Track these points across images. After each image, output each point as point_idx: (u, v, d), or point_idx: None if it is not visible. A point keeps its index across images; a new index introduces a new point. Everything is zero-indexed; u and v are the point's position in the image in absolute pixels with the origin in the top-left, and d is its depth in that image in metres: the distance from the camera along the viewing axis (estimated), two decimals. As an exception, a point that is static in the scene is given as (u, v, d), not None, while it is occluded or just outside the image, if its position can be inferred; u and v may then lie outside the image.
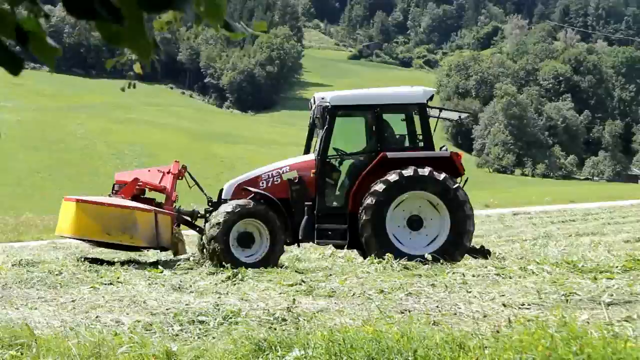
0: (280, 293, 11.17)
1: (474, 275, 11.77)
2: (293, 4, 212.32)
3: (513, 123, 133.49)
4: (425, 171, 14.50)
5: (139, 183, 16.56)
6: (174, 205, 16.56)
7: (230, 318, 8.94)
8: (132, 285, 12.38)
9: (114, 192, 16.63)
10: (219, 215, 15.03)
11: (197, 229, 16.50)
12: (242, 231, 15.14)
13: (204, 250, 15.28)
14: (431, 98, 15.93)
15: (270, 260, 14.95)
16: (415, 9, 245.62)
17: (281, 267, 15.09)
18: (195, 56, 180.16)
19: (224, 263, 14.30)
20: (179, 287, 12.25)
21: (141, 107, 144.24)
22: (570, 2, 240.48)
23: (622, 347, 5.71)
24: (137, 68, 4.27)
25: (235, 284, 12.47)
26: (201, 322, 8.92)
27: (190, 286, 12.43)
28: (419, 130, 15.56)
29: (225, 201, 15.57)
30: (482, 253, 15.32)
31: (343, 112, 15.66)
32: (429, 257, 14.07)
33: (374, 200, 14.56)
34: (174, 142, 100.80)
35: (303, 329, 7.93)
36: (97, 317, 9.49)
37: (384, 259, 14.70)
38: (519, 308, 8.92)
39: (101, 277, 13.33)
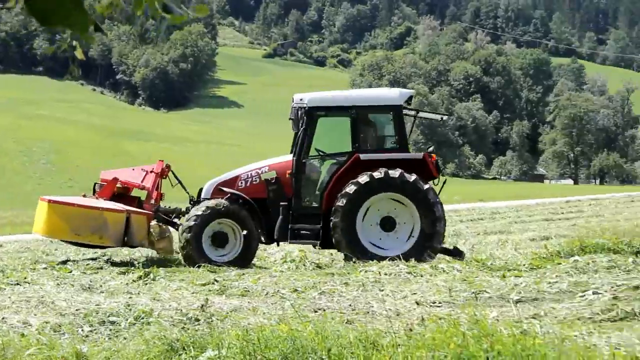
0: (193, 293, 11.09)
1: (386, 274, 11.88)
2: (208, 1, 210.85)
3: (425, 123, 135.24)
4: (395, 173, 14.49)
5: (118, 182, 16.65)
6: (153, 204, 16.53)
7: (142, 318, 8.84)
8: (39, 285, 12.10)
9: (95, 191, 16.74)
10: (190, 217, 15.22)
11: (177, 227, 16.42)
12: (216, 231, 15.29)
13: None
14: (410, 100, 16.03)
15: (244, 260, 15.06)
16: (329, 9, 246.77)
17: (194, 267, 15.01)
18: (107, 52, 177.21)
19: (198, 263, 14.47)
20: (88, 287, 12.06)
21: (51, 103, 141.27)
22: (481, 4, 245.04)
23: (531, 343, 5.84)
24: (79, 54, 4.13)
25: (146, 284, 12.34)
26: (112, 322, 8.81)
27: (101, 286, 12.24)
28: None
29: (205, 200, 15.75)
30: (456, 253, 15.37)
31: (320, 114, 15.64)
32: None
33: (344, 202, 14.60)
34: (84, 139, 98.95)
35: (216, 329, 7.89)
36: (3, 318, 9.26)
37: (296, 259, 14.80)
38: (431, 306, 9.06)
39: (7, 277, 12.97)
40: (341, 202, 14.59)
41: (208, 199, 15.74)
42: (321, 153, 15.77)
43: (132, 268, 14.02)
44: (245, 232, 15.22)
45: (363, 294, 10.02)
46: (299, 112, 15.38)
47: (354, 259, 14.05)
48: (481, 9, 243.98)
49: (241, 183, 15.80)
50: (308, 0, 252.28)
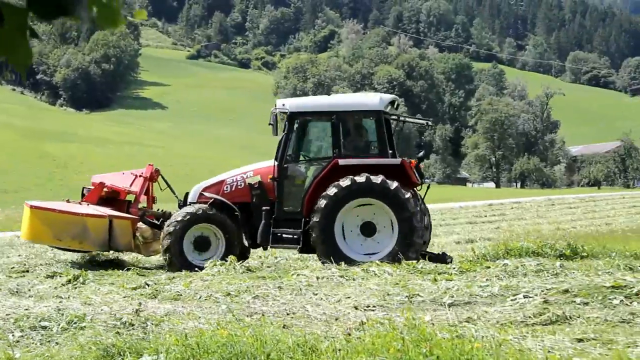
0: (125, 297, 10.98)
1: (318, 278, 11.93)
2: (130, 1, 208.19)
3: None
4: (377, 179, 14.42)
5: (105, 187, 16.77)
6: (140, 209, 16.67)
7: (75, 323, 8.71)
8: (-35, 290, 11.84)
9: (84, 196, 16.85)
10: (171, 223, 15.32)
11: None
12: (198, 235, 15.44)
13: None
14: (394, 105, 16.05)
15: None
16: (253, 11, 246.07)
17: (123, 269, 14.86)
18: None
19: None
20: (16, 292, 11.85)
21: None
22: (404, 8, 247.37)
23: (469, 348, 5.94)
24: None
25: (76, 287, 12.18)
26: (44, 327, 8.66)
27: (29, 290, 12.05)
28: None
29: (189, 205, 15.90)
30: (441, 259, 15.30)
31: (301, 119, 15.68)
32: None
33: (323, 205, 14.60)
34: (4, 140, 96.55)
35: (152, 334, 7.82)
36: None
37: (225, 261, 14.72)
38: (365, 310, 9.13)
39: None
40: (320, 205, 14.61)
41: (194, 203, 15.86)
42: (305, 158, 15.93)
43: (60, 272, 13.80)
44: (226, 236, 15.38)
45: (297, 298, 10.05)
46: (278, 117, 15.41)
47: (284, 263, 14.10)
48: (404, 13, 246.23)
49: (226, 188, 15.94)
50: (232, 2, 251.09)
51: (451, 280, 10.99)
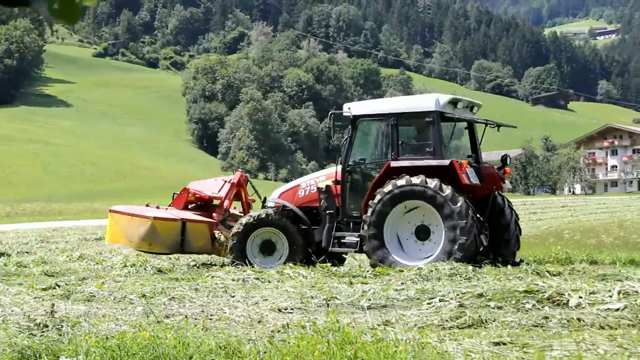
0: (35, 297, 10.73)
1: (233, 280, 11.92)
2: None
3: (258, 128, 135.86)
4: (417, 180, 14.06)
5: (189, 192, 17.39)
6: (223, 213, 17.01)
7: (-15, 325, 8.45)
8: None
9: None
10: (237, 226, 15.63)
11: None
12: (266, 239, 15.65)
13: None
14: (456, 105, 15.26)
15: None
16: (162, 10, 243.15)
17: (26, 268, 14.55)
18: None
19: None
20: None
21: None
22: (313, 12, 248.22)
23: (392, 351, 6.01)
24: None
25: (-19, 288, 11.82)
26: (-47, 329, 8.37)
27: None
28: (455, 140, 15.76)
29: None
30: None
31: (363, 122, 15.61)
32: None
33: (369, 213, 14.38)
34: None
35: (68, 335, 7.65)
36: None
37: (136, 264, 14.54)
38: (283, 312, 9.14)
39: None
40: (369, 211, 14.42)
41: (267, 207, 16.27)
42: (366, 161, 15.85)
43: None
44: (289, 241, 15.52)
45: (214, 300, 10.00)
46: (334, 121, 16.18)
47: (198, 265, 13.96)
48: (313, 17, 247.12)
49: (300, 192, 16.12)
50: (140, 1, 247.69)
51: (367, 284, 11.10)
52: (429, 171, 14.22)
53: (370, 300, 9.69)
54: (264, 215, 15.67)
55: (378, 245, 14.30)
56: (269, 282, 11.78)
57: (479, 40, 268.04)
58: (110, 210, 16.73)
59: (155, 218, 16.17)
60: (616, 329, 7.80)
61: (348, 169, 15.49)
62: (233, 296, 10.25)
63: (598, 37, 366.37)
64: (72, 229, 31.71)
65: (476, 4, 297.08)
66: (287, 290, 10.59)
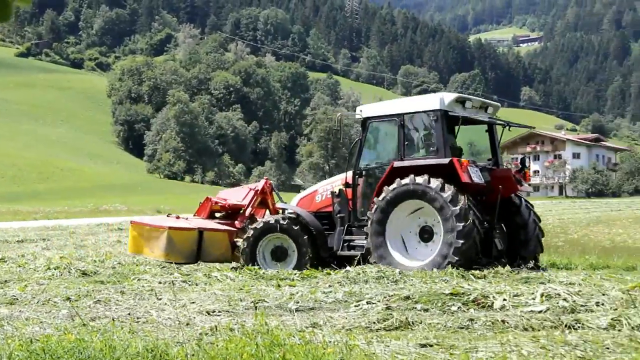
0: (-46, 300, 10.46)
1: (160, 282, 11.83)
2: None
3: (185, 130, 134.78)
4: (420, 180, 13.84)
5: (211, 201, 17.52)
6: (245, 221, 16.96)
7: None
8: None
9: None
10: (248, 231, 15.62)
11: None
12: (277, 245, 15.59)
13: None
14: (464, 104, 14.84)
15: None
16: (87, 10, 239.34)
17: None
18: None
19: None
20: None
21: None
22: (241, 15, 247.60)
23: (321, 353, 6.03)
24: None
25: None
26: None
27: None
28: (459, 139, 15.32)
29: None
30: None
31: (373, 124, 15.41)
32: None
33: (373, 211, 14.21)
34: None
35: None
36: None
37: (60, 266, 14.29)
38: (211, 315, 9.09)
39: None
40: (371, 212, 14.34)
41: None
42: (375, 163, 15.71)
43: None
44: (297, 247, 15.39)
45: (141, 303, 9.90)
46: (342, 123, 15.62)
47: (124, 267, 13.77)
48: (241, 20, 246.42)
49: (318, 197, 16.16)
50: (64, 1, 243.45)
51: (294, 286, 11.13)
52: (432, 170, 13.98)
53: (298, 302, 9.70)
54: (272, 222, 15.61)
55: (379, 244, 14.18)
56: (197, 284, 11.73)
57: (406, 46, 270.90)
58: (131, 222, 17.04)
59: (170, 228, 16.34)
60: (539, 330, 7.96)
61: (358, 172, 15.49)
62: (160, 299, 10.16)
63: (521, 45, 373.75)
64: (-7, 231, 31.00)
65: (403, 10, 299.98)
66: (214, 293, 10.55)
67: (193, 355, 6.32)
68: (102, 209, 51.80)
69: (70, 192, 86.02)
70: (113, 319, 8.48)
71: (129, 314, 9.12)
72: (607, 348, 6.99)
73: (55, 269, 14.74)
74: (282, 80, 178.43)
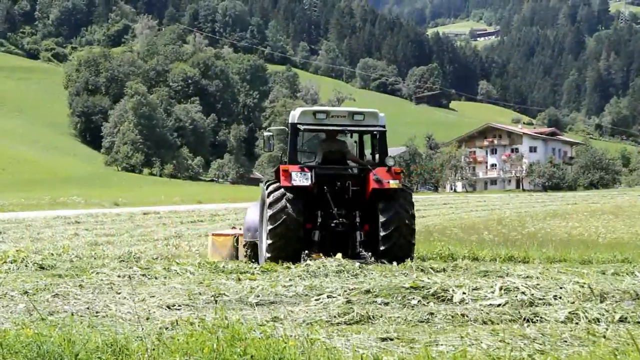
0: None
1: (119, 276, 11.71)
2: None
3: (143, 122, 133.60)
4: (264, 186, 15.91)
5: None
6: None
7: None
8: None
9: None
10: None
11: None
12: None
13: None
14: (315, 114, 16.07)
15: None
16: (43, 0, 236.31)
17: None
18: None
19: None
20: None
21: None
22: (200, 7, 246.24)
23: (282, 347, 6.04)
24: None
25: None
26: None
27: None
28: None
29: None
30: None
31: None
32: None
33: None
34: None
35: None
36: None
37: (17, 260, 14.12)
38: (171, 309, 9.04)
39: None
40: None
41: None
42: None
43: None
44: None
45: (100, 297, 9.79)
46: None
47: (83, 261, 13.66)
48: (199, 12, 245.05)
49: None
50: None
51: (255, 280, 11.11)
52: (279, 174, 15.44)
53: (258, 296, 9.69)
54: None
55: (259, 239, 16.20)
56: (156, 278, 11.65)
57: (364, 39, 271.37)
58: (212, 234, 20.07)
59: (213, 234, 19.75)
60: (498, 324, 8.05)
61: None
62: (119, 293, 10.07)
63: (478, 39, 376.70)
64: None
65: (361, 2, 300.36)
66: (174, 286, 10.49)
67: (153, 349, 6.28)
68: (60, 202, 51.23)
69: (26, 184, 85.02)
70: (72, 313, 8.39)
71: (87, 308, 9.02)
72: (565, 341, 7.08)
73: (11, 263, 14.53)
74: (241, 73, 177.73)
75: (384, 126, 16.24)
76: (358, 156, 16.87)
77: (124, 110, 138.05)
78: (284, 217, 14.72)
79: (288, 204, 14.79)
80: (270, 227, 14.80)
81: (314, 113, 16.10)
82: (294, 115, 16.02)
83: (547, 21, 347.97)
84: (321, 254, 14.24)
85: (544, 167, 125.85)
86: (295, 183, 14.86)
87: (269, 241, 14.80)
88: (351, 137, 17.34)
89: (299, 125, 15.86)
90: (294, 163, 15.51)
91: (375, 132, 16.28)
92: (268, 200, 14.96)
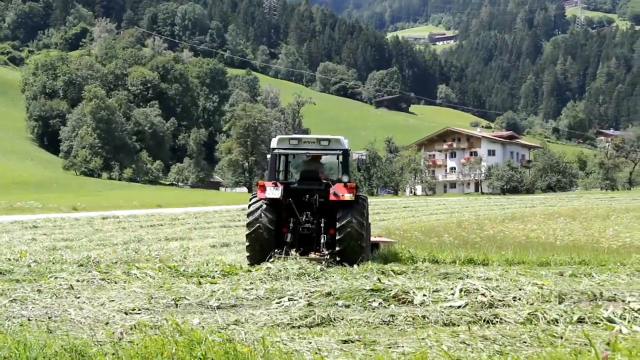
0: None
1: (78, 281, 11.59)
2: None
3: (101, 126, 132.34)
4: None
5: None
6: None
7: None
8: None
9: None
10: None
11: None
12: None
13: None
14: (289, 141, 18.54)
15: None
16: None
17: None
18: None
19: None
20: None
21: None
22: (158, 10, 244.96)
23: (243, 350, 6.01)
24: None
25: None
26: None
27: None
28: None
29: None
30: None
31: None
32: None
33: None
34: None
35: None
36: None
37: None
38: (130, 313, 8.96)
39: None
40: None
41: None
42: None
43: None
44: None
45: (58, 301, 9.68)
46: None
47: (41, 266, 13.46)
48: (158, 15, 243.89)
49: None
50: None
51: (216, 284, 11.06)
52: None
53: (219, 300, 9.65)
54: None
55: None
56: (116, 282, 11.54)
57: (324, 43, 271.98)
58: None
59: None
60: (458, 325, 8.09)
61: None
62: (78, 297, 9.96)
63: (437, 43, 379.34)
64: None
65: (321, 6, 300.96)
66: (134, 291, 10.40)
67: (113, 354, 6.22)
68: (17, 207, 50.55)
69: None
70: (29, 319, 8.28)
71: (46, 313, 8.92)
72: (525, 342, 7.14)
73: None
74: (201, 76, 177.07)
75: (347, 150, 18.48)
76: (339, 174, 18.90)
77: (82, 114, 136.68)
78: (257, 224, 17.22)
79: (262, 213, 17.32)
80: (247, 232, 17.37)
81: (289, 140, 18.67)
82: (274, 141, 18.65)
83: (505, 26, 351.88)
84: (282, 253, 16.64)
85: (502, 170, 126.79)
86: (268, 195, 17.39)
87: (247, 243, 17.40)
88: (337, 158, 19.26)
89: (276, 150, 18.50)
90: (272, 179, 17.94)
91: (338, 154, 18.58)
92: (247, 210, 17.62)
